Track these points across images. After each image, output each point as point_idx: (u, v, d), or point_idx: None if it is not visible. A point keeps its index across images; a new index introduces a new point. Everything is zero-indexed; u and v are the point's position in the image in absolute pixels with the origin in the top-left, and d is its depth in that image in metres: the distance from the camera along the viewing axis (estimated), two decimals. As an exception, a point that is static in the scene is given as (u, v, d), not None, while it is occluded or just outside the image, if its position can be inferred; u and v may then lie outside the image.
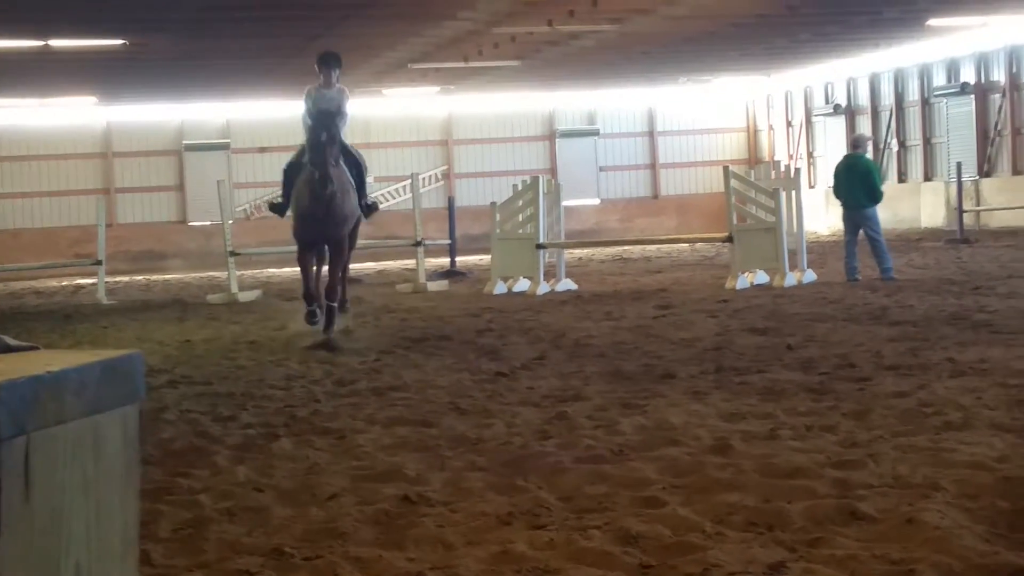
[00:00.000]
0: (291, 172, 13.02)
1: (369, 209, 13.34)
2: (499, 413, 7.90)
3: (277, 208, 13.41)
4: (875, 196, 17.70)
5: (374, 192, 38.04)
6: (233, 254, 20.76)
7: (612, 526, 5.04)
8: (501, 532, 5.10)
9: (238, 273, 21.09)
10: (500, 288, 18.81)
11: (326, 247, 13.00)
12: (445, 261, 24.84)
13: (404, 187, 36.22)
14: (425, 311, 16.08)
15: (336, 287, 12.74)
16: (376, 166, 38.34)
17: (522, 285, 18.80)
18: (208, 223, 36.60)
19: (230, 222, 21.51)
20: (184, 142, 38.96)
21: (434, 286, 20.62)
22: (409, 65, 30.40)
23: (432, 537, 5.07)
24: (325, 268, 13.21)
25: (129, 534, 2.26)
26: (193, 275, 29.57)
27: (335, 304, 12.70)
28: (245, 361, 11.46)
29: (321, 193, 12.26)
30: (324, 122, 12.47)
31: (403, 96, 37.36)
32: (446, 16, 23.72)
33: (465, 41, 26.88)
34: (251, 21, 23.07)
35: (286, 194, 13.05)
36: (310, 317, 12.73)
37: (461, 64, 30.07)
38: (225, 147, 38.98)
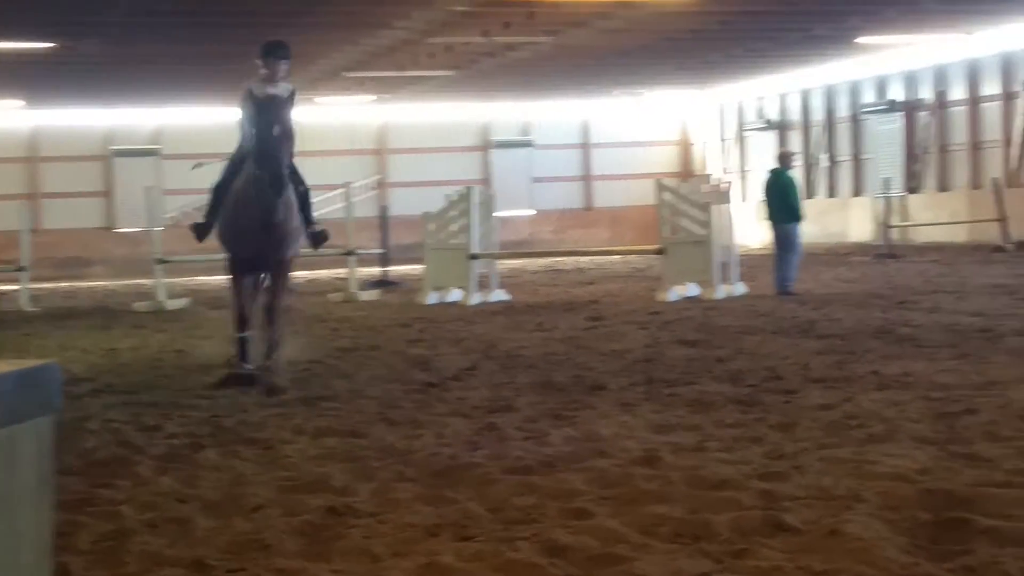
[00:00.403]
0: (221, 191, 10.48)
1: (317, 238, 10.68)
2: (429, 424, 7.88)
3: (200, 229, 10.72)
4: (790, 212, 18.05)
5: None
6: (161, 261, 20.54)
7: (540, 537, 5.04)
8: (428, 543, 5.07)
9: (166, 281, 20.86)
10: (432, 298, 18.77)
11: (263, 272, 10.58)
12: (378, 271, 24.76)
13: (337, 196, 36.06)
14: (356, 321, 16.01)
15: (277, 317, 10.24)
16: (309, 175, 38.00)
17: (455, 295, 18.78)
18: (137, 230, 36.18)
19: (159, 229, 21.28)
20: (112, 147, 38.53)
21: (366, 296, 20.54)
22: (343, 73, 30.31)
23: (358, 549, 5.04)
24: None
25: (42, 547, 2.22)
26: (120, 282, 29.22)
27: (275, 340, 10.18)
28: (171, 370, 11.34)
29: (272, 201, 9.85)
30: (275, 111, 9.99)
31: (337, 104, 37.20)
32: (381, 25, 23.69)
33: (400, 50, 26.85)
34: (183, 27, 22.89)
35: (212, 214, 10.56)
36: (241, 348, 10.24)
37: (396, 73, 30.02)
38: (155, 153, 38.59)
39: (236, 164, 10.43)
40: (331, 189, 37.48)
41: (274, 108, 10.03)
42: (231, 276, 10.53)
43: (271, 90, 10.23)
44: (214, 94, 32.76)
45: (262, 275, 10.57)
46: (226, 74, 28.83)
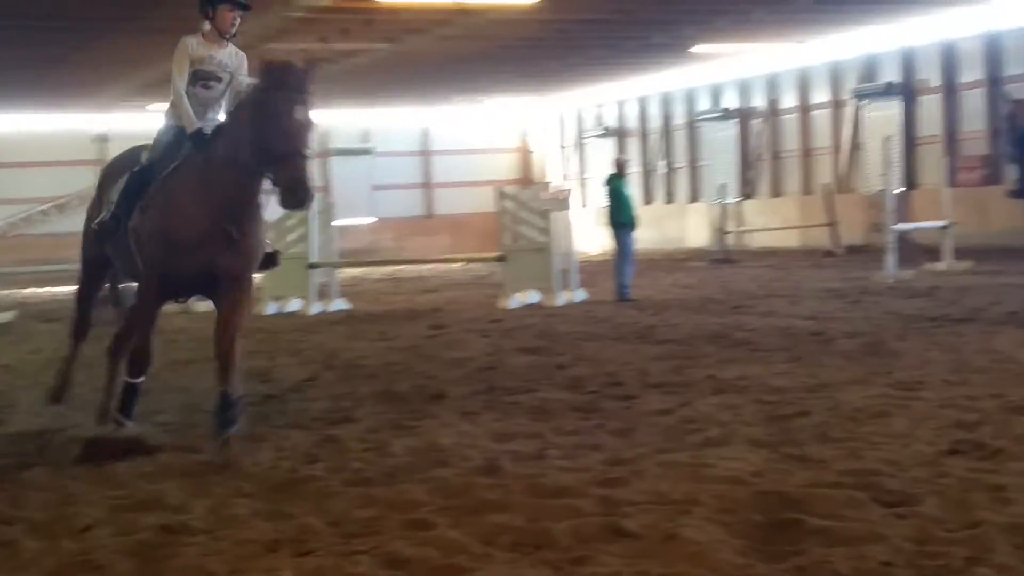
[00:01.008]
0: (143, 181, 7.78)
1: (268, 260, 8.01)
2: (267, 436, 7.75)
3: (106, 227, 7.94)
4: (618, 217, 18.33)
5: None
6: (-13, 273, 19.85)
7: (380, 550, 5.00)
8: (266, 560, 4.99)
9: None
10: (271, 308, 18.51)
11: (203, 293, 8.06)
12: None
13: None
14: (192, 332, 15.68)
15: (236, 356, 7.53)
16: (144, 183, 37.19)
17: (294, 305, 18.56)
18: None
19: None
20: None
21: (202, 307, 20.12)
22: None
23: (194, 567, 4.94)
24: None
25: None
26: (-56, 295, 28.12)
27: (232, 392, 7.42)
28: (-2, 386, 10.93)
29: (300, 206, 7.32)
30: (294, 84, 7.29)
31: (171, 112, 36.49)
32: (216, 31, 23.27)
33: (236, 57, 26.43)
34: (2, 30, 22.14)
35: (126, 209, 7.77)
36: (128, 398, 7.80)
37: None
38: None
39: (172, 147, 7.82)
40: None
41: (291, 81, 7.26)
42: (148, 297, 7.79)
43: (222, 56, 7.82)
44: (39, 101, 31.82)
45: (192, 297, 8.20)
46: (51, 80, 28.06)
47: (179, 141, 7.77)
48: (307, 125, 7.26)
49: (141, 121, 36.08)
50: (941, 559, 4.56)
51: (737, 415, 7.70)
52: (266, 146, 7.18)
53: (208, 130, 7.72)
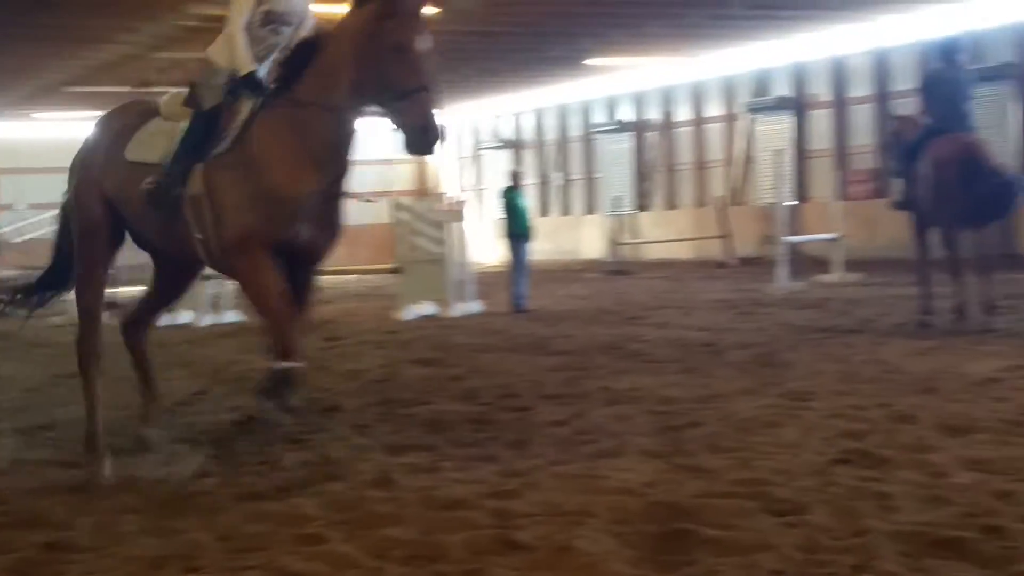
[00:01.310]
0: (205, 132, 6.76)
1: None
2: (156, 451, 7.59)
3: (159, 193, 6.86)
4: (514, 229, 18.45)
5: (28, 220, 36.21)
6: None
7: (270, 565, 4.94)
8: (153, 577, 4.89)
9: None
10: (162, 320, 18.18)
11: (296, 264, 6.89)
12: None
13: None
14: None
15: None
16: (29, 192, 36.51)
17: (186, 317, 18.26)
18: None
19: None
20: None
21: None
22: (63, 88, 29.19)
23: (78, 586, 4.82)
24: None
25: None
26: None
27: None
28: None
29: (429, 148, 6.48)
30: (410, 10, 6.56)
31: (56, 120, 35.72)
32: (104, 39, 22.91)
33: (125, 65, 26.04)
34: None
35: (181, 172, 6.73)
36: (283, 386, 6.82)
37: (120, 88, 29.07)
38: None
39: (226, 93, 6.82)
40: (52, 208, 36.04)
41: (407, 6, 6.46)
42: (259, 271, 6.66)
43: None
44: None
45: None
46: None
47: (231, 87, 6.75)
48: (430, 56, 6.36)
49: (23, 130, 35.55)
50: (829, 567, 4.61)
51: (630, 426, 7.73)
52: (385, 82, 6.27)
53: (262, 75, 6.76)
